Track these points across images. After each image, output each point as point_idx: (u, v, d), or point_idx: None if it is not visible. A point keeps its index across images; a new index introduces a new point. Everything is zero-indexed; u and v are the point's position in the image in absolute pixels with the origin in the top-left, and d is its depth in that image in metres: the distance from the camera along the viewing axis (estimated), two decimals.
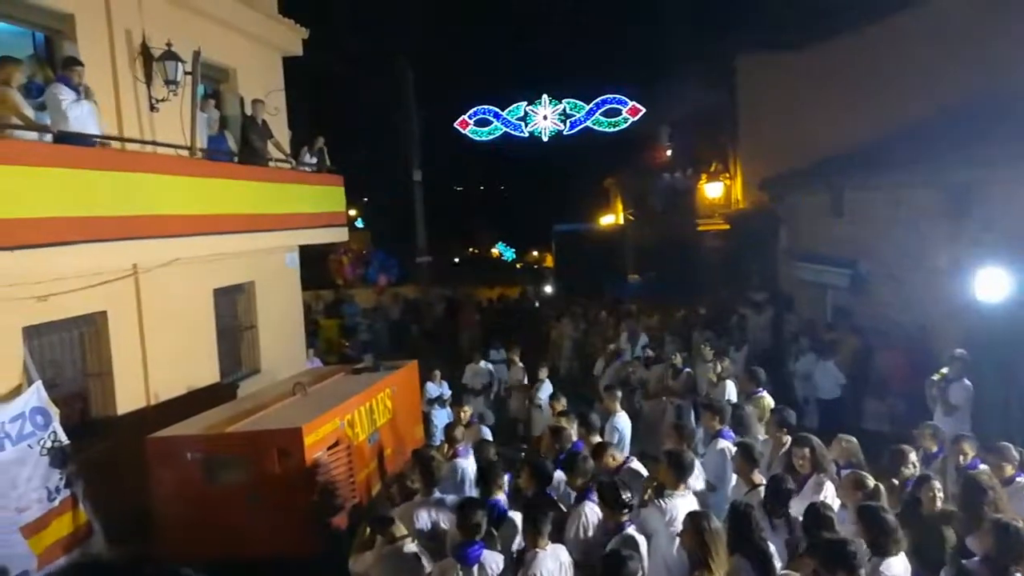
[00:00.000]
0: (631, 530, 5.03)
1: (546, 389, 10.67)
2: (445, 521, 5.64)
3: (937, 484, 5.48)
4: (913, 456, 6.11)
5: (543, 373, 11.12)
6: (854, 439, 6.36)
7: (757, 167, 18.68)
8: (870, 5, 15.49)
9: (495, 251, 51.45)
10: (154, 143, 8.17)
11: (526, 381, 11.90)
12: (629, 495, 5.14)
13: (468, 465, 6.92)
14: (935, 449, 6.72)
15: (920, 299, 10.77)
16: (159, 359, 8.26)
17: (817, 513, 4.76)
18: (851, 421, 9.88)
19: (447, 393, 11.04)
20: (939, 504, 5.37)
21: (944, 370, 8.34)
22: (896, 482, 5.85)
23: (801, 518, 4.95)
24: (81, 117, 6.84)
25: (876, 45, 15.65)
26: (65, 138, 6.63)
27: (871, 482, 5.40)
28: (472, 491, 6.67)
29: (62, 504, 6.37)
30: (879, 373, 10.55)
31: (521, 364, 12.36)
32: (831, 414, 10.36)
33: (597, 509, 5.40)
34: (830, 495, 5.64)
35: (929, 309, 10.48)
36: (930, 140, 12.33)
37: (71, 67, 7.00)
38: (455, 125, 26.28)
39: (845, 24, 16.21)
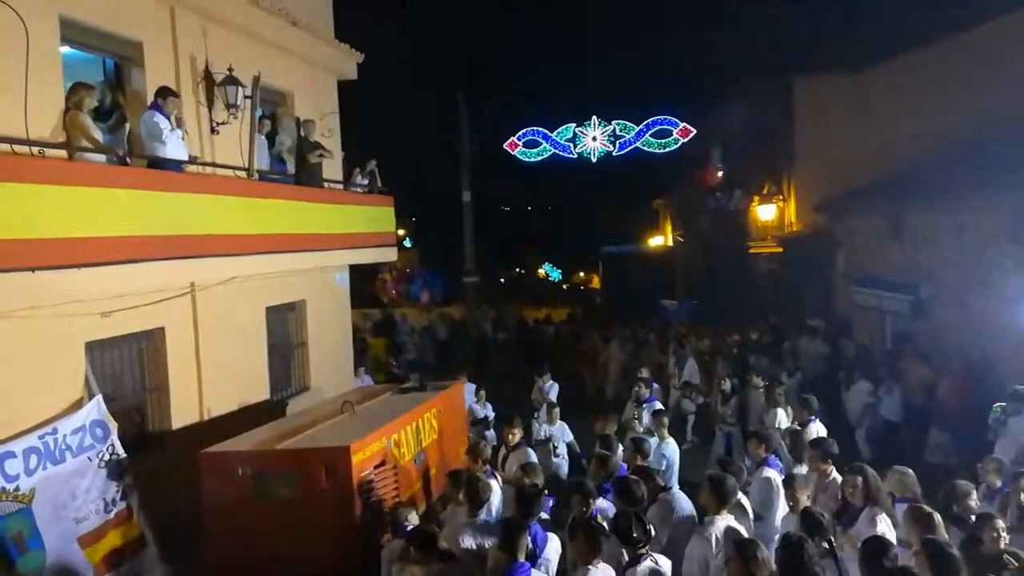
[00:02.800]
0: (649, 562, 4.92)
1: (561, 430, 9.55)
2: (489, 543, 5.61)
3: (1000, 523, 5.21)
4: (975, 493, 5.83)
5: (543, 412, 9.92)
6: (910, 471, 6.10)
7: (813, 189, 18.34)
8: (926, 26, 15.15)
9: (541, 271, 51.45)
10: (215, 165, 8.44)
11: None
12: (644, 528, 5.03)
13: (494, 487, 6.86)
14: (999, 484, 6.41)
15: (986, 326, 10.39)
16: (213, 375, 8.47)
17: (881, 548, 4.57)
18: (911, 452, 9.52)
19: (491, 415, 11.00)
20: (1003, 544, 5.09)
21: (1002, 404, 8.03)
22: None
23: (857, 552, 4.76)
24: (173, 145, 7.16)
25: (934, 66, 15.26)
26: (154, 164, 7.04)
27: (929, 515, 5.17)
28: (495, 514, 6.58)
29: (118, 516, 6.54)
30: (937, 402, 10.18)
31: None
32: (885, 444, 10.01)
33: None
34: (885, 530, 5.42)
35: (995, 336, 10.11)
36: (994, 163, 11.95)
37: (166, 97, 7.31)
38: (504, 146, 26.45)
39: (902, 46, 15.87)
